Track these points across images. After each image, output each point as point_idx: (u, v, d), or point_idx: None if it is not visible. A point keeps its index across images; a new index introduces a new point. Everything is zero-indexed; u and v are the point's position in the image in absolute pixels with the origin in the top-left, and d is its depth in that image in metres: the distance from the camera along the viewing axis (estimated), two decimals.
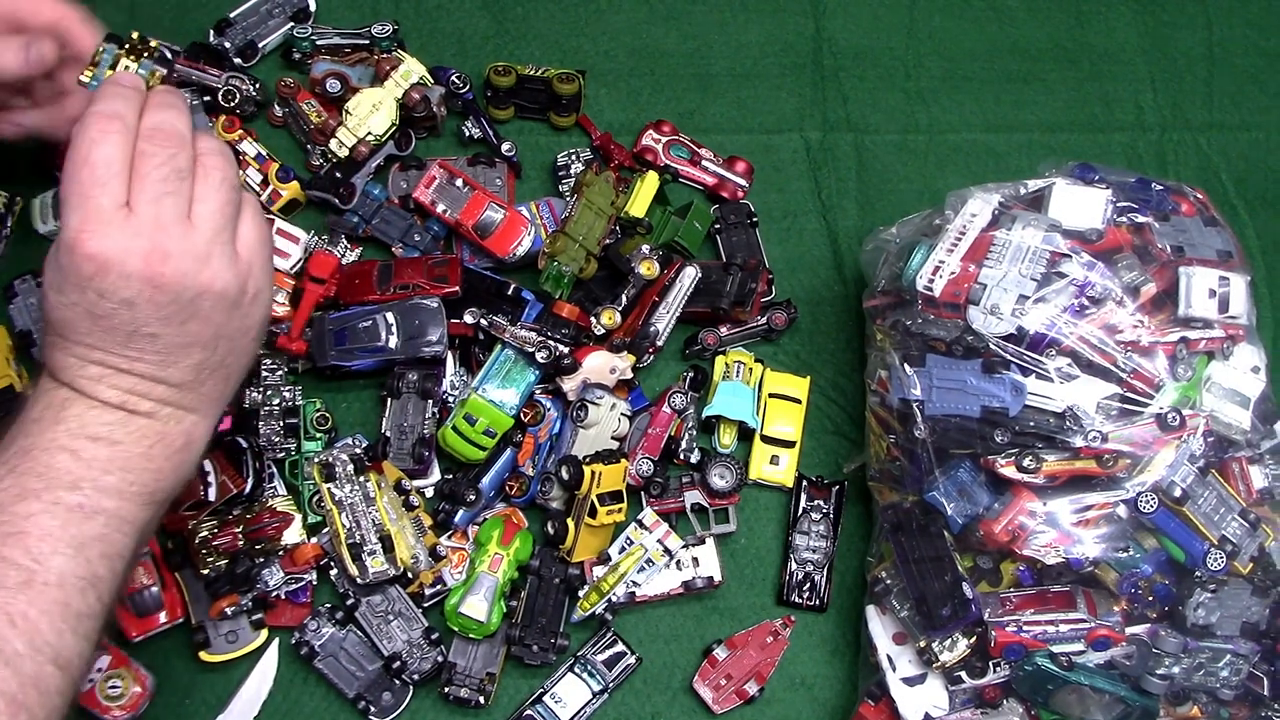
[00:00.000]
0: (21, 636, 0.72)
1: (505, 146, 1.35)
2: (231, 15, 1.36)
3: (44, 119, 1.11)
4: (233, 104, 1.30)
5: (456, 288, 1.23)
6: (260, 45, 1.36)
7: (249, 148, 1.30)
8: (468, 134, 1.36)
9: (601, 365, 1.21)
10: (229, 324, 0.87)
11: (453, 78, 1.35)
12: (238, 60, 1.35)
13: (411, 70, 1.32)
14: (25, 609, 0.73)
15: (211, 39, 1.35)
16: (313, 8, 1.39)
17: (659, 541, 1.17)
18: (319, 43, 1.36)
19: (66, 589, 0.75)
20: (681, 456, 1.24)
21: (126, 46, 1.02)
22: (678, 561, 1.20)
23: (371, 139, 1.29)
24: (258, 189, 1.29)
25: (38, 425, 0.81)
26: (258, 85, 1.32)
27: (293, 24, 1.37)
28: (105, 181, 0.81)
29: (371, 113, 1.29)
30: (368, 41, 1.37)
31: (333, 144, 1.29)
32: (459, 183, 1.27)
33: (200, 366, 0.86)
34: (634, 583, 1.17)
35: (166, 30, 1.34)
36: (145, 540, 0.83)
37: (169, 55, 1.29)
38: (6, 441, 0.81)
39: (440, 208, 1.26)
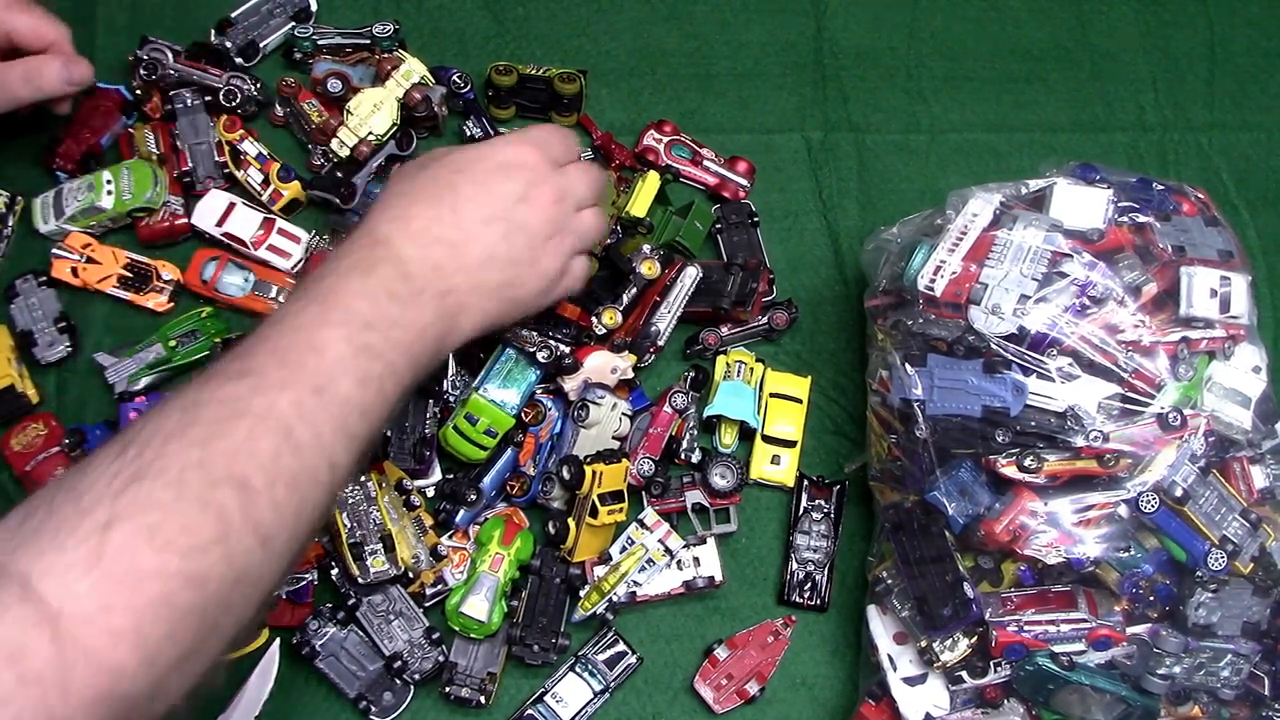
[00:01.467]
0: (308, 432, 0.79)
1: None
2: (233, 15, 1.36)
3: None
4: (234, 104, 1.30)
5: None
6: (261, 45, 1.36)
7: (250, 147, 1.30)
8: (469, 133, 1.36)
9: (603, 365, 1.21)
10: (530, 283, 1.03)
11: (454, 77, 1.35)
12: (239, 60, 1.35)
13: (413, 70, 1.32)
14: (315, 411, 0.80)
15: (213, 38, 1.35)
16: (314, 8, 1.39)
17: (660, 541, 1.17)
18: (320, 42, 1.36)
19: (348, 409, 0.83)
20: (682, 456, 1.24)
21: None
22: (679, 561, 1.20)
23: (373, 139, 1.29)
24: (258, 189, 1.29)
25: (347, 275, 0.89)
26: (259, 85, 1.32)
27: (294, 24, 1.37)
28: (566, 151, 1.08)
29: (373, 112, 1.29)
30: (369, 41, 1.37)
31: (334, 144, 1.29)
32: None
33: (501, 285, 1.00)
34: (635, 582, 1.17)
35: (168, 29, 1.34)
36: (399, 406, 0.91)
37: (169, 54, 1.30)
38: (314, 279, 0.89)
39: None
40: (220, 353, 0.81)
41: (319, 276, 0.89)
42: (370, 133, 1.28)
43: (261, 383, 0.79)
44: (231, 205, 1.27)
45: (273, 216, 1.28)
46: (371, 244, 0.93)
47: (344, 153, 1.29)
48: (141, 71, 1.30)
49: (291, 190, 1.29)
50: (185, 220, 1.27)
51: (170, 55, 1.31)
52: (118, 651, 0.67)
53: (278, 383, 0.79)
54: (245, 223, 1.27)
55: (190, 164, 1.29)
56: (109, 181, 1.24)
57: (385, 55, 1.34)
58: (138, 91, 1.31)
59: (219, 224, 1.27)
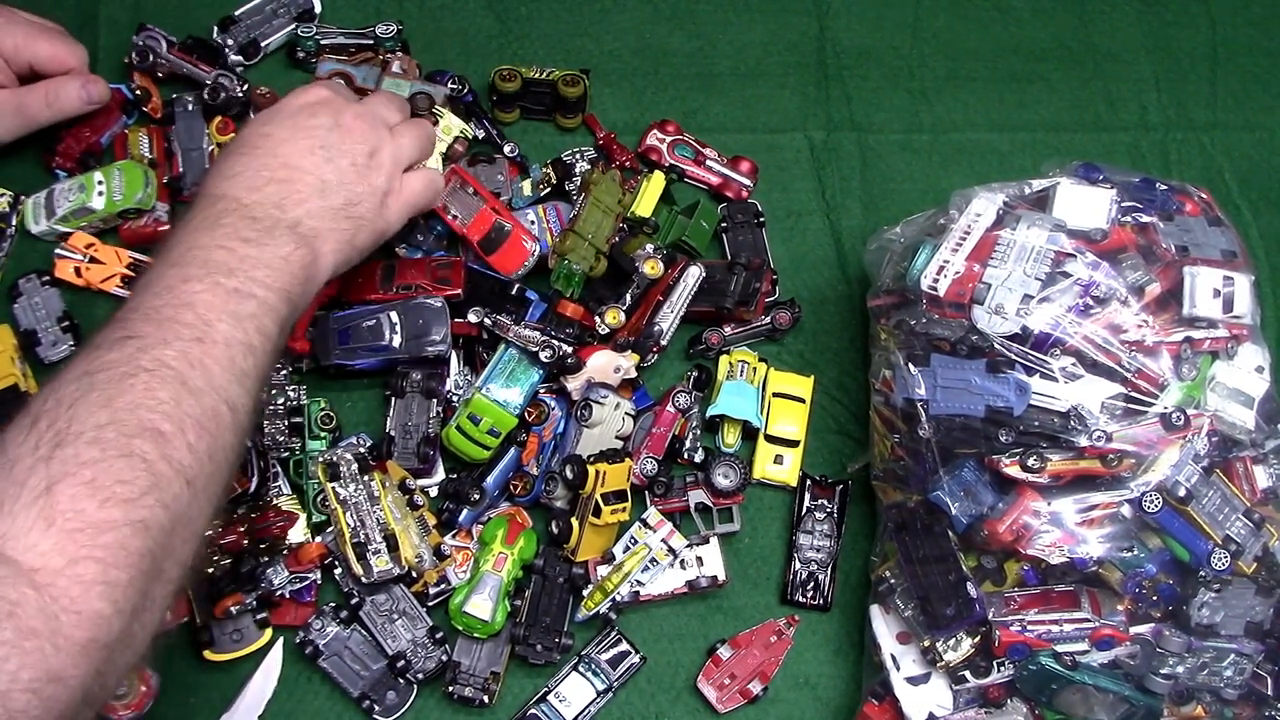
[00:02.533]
0: (200, 376, 0.83)
1: (508, 148, 1.35)
2: (236, 13, 1.37)
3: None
4: (218, 100, 1.30)
5: (459, 290, 1.23)
6: (263, 44, 1.36)
7: None
8: (471, 135, 1.36)
9: (606, 365, 1.21)
10: (370, 201, 1.06)
11: (450, 83, 1.35)
12: (239, 58, 1.35)
13: (451, 125, 1.33)
14: (201, 356, 0.84)
15: (215, 35, 1.35)
16: (318, 9, 1.39)
17: (663, 541, 1.17)
18: (323, 42, 1.36)
19: (232, 348, 0.87)
20: (685, 456, 1.24)
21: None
22: (682, 561, 1.20)
23: None
24: None
25: (195, 233, 0.93)
26: (244, 86, 1.32)
27: (297, 24, 1.37)
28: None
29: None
30: (372, 41, 1.37)
31: None
32: (470, 190, 1.27)
33: (343, 208, 1.03)
34: (638, 582, 1.17)
35: (170, 25, 1.35)
36: (283, 339, 0.95)
37: (164, 44, 1.31)
38: (166, 247, 0.93)
39: (452, 213, 1.27)
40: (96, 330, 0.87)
41: (171, 244, 0.94)
42: None
43: (144, 343, 0.83)
44: None
45: None
46: (211, 203, 0.97)
47: None
48: (134, 56, 1.31)
49: None
50: (169, 226, 1.27)
51: (165, 45, 1.32)
52: (91, 600, 0.71)
53: (159, 340, 0.84)
54: None
55: (181, 169, 1.29)
56: (100, 183, 1.24)
57: (389, 54, 1.34)
58: (139, 91, 1.31)
59: None
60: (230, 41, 1.35)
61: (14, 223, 1.26)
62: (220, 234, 0.93)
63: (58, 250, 1.24)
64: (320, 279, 1.02)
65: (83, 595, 0.70)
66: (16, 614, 0.67)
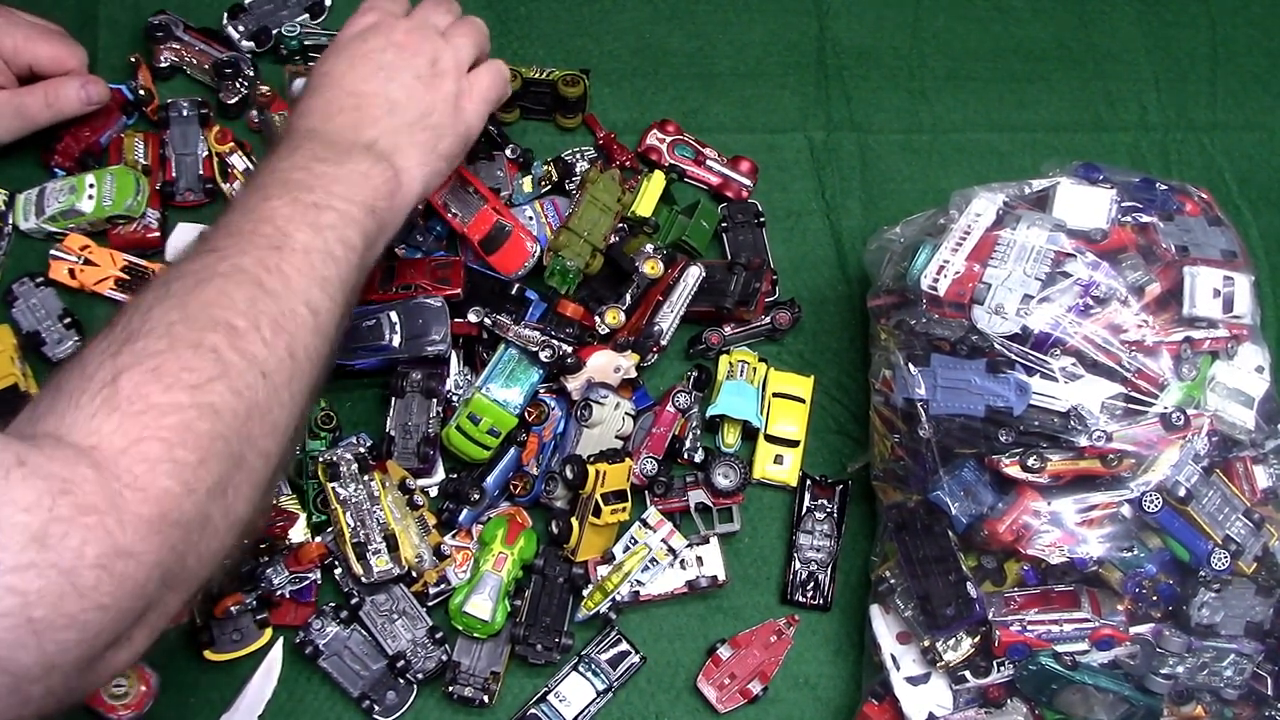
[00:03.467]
0: (276, 279, 0.85)
1: (509, 150, 1.34)
2: (246, 2, 1.37)
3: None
4: (227, 76, 1.31)
5: (459, 290, 1.23)
6: (274, 33, 1.36)
7: (239, 161, 1.30)
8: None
9: (605, 364, 1.21)
10: (442, 108, 1.07)
11: None
12: (250, 44, 1.36)
13: None
14: (279, 263, 0.86)
15: (225, 23, 1.36)
16: (328, 2, 1.39)
17: (663, 541, 1.17)
18: (306, 42, 1.36)
19: (311, 255, 0.89)
20: (685, 456, 1.24)
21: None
22: (682, 561, 1.20)
23: None
24: None
25: (276, 160, 0.96)
26: (256, 71, 1.34)
27: (307, 15, 1.37)
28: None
29: None
30: None
31: None
32: (470, 188, 1.27)
33: (418, 121, 1.04)
34: (638, 582, 1.17)
35: (179, 12, 1.36)
36: (372, 255, 0.98)
37: (177, 28, 1.32)
38: (250, 181, 0.96)
39: (452, 212, 1.27)
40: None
41: (256, 174, 0.97)
42: None
43: (224, 253, 0.85)
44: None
45: None
46: (289, 138, 1.00)
47: None
48: (157, 34, 1.32)
49: None
50: (157, 234, 1.27)
51: (181, 27, 1.34)
52: (157, 477, 0.71)
53: (236, 250, 0.86)
54: None
55: (175, 175, 1.29)
56: (91, 185, 1.24)
57: None
58: (140, 91, 1.32)
59: None
60: (240, 27, 1.35)
61: (10, 221, 1.26)
62: (299, 158, 0.96)
63: (52, 251, 1.24)
64: (410, 194, 1.03)
65: (147, 473, 0.71)
66: (72, 490, 0.67)
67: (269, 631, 1.15)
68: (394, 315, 1.21)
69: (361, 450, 1.17)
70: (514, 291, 1.27)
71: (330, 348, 0.91)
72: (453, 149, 1.08)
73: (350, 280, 0.93)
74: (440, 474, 1.22)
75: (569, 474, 1.16)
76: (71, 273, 1.24)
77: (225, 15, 1.36)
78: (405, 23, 1.08)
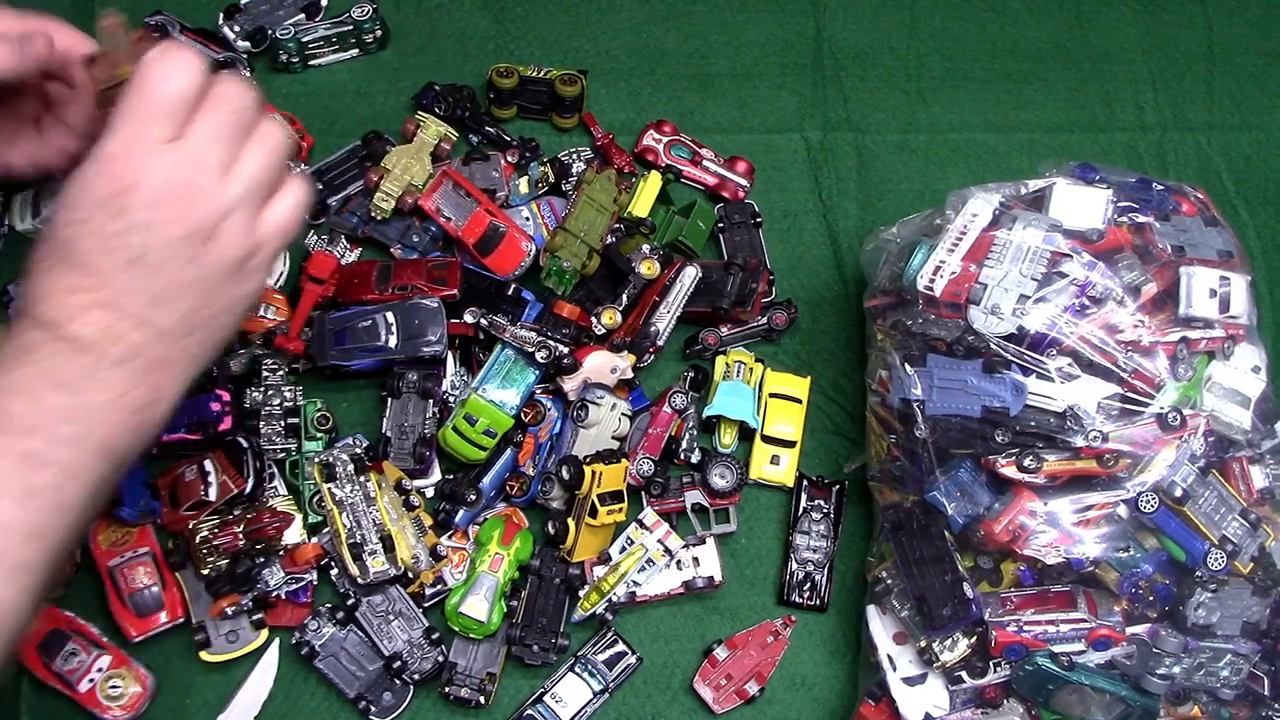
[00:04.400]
0: None
1: (510, 154, 1.34)
2: (242, 2, 1.37)
3: (48, 152, 1.05)
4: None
5: (455, 290, 1.23)
6: (269, 33, 1.36)
7: None
8: (475, 142, 1.36)
9: (602, 365, 1.21)
10: (224, 287, 0.84)
11: (436, 98, 1.35)
12: (246, 44, 1.36)
13: (435, 129, 1.33)
14: None
15: (221, 23, 1.36)
16: (324, 2, 1.39)
17: (659, 541, 1.17)
18: (304, 39, 1.36)
19: (7, 537, 0.73)
20: (682, 456, 1.24)
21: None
22: (678, 561, 1.20)
23: (415, 188, 1.29)
24: None
25: (1, 367, 0.76)
26: (252, 71, 1.34)
27: (303, 15, 1.37)
28: (167, 114, 0.79)
29: (407, 167, 1.29)
30: (351, 27, 1.37)
31: (377, 198, 1.28)
32: (462, 191, 1.27)
33: (188, 317, 0.82)
34: (634, 582, 1.17)
35: (175, 12, 1.36)
36: (102, 495, 0.79)
37: (177, 27, 1.32)
38: None
39: (445, 215, 1.27)
40: None
41: None
42: (411, 183, 1.29)
43: None
44: None
45: None
46: (18, 327, 0.79)
47: (388, 205, 1.28)
48: (153, 34, 1.31)
49: None
50: None
51: (178, 28, 1.34)
52: None
53: None
54: None
55: None
56: None
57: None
58: None
59: None
60: (236, 27, 1.35)
61: (6, 222, 1.26)
62: (27, 374, 0.76)
63: None
64: (165, 411, 0.83)
65: None
66: None
67: (265, 632, 1.15)
68: (390, 316, 1.21)
69: (358, 451, 1.17)
70: (510, 292, 1.27)
71: (9, 641, 0.75)
72: (231, 330, 0.87)
73: (63, 546, 0.76)
74: (436, 475, 1.22)
75: (565, 475, 1.16)
76: None
77: (221, 15, 1.37)
78: (169, 162, 0.79)
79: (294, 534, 1.17)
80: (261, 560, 1.14)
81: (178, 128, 0.80)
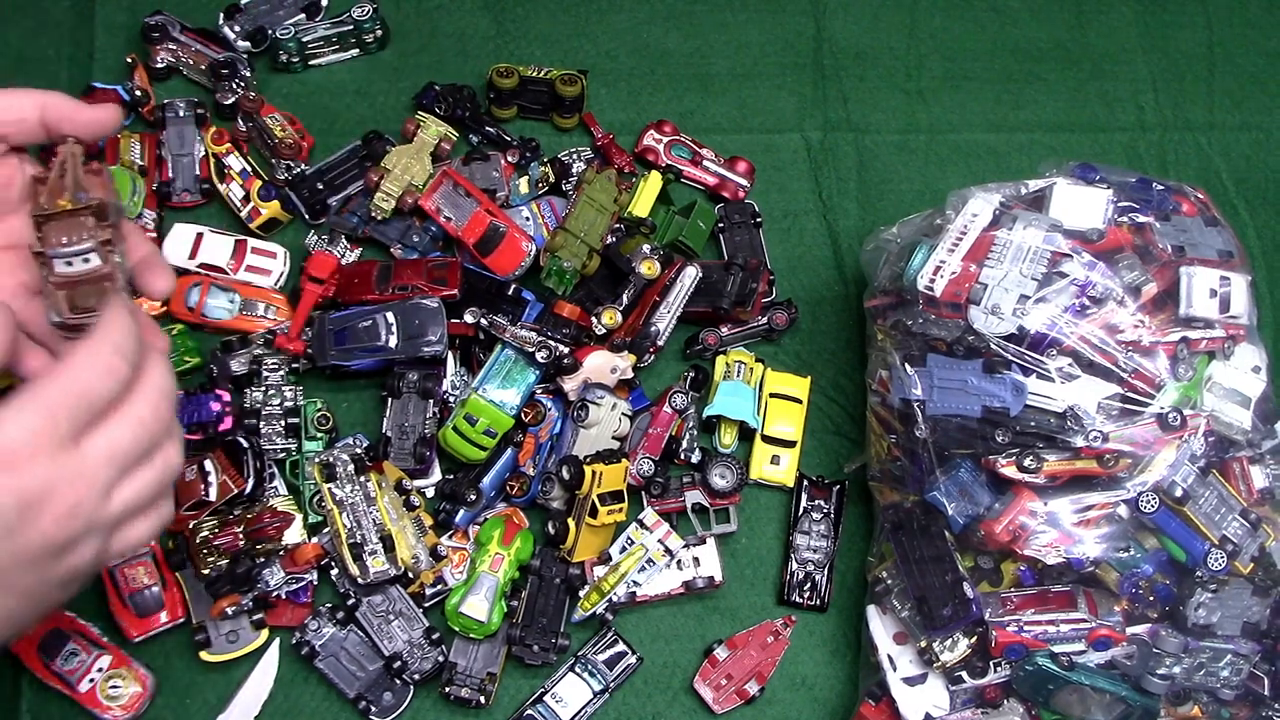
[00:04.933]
0: None
1: (510, 154, 1.34)
2: (242, 2, 1.37)
3: None
4: (223, 76, 1.31)
5: (455, 291, 1.23)
6: (270, 33, 1.36)
7: (235, 162, 1.30)
8: (475, 142, 1.36)
9: (602, 365, 1.21)
10: (45, 586, 0.73)
11: (436, 98, 1.35)
12: (246, 44, 1.36)
13: (435, 129, 1.33)
14: None
15: (221, 23, 1.36)
16: (324, 2, 1.39)
17: (660, 541, 1.17)
18: (304, 39, 1.36)
19: None
20: (682, 456, 1.24)
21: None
22: (678, 561, 1.20)
23: (414, 188, 1.29)
24: (239, 204, 1.29)
25: None
26: (253, 72, 1.34)
27: (303, 15, 1.37)
28: (79, 415, 0.71)
29: (407, 167, 1.30)
30: (351, 27, 1.37)
31: (378, 198, 1.28)
32: (462, 191, 1.27)
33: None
34: (635, 582, 1.17)
35: (175, 12, 1.36)
36: None
37: (177, 26, 1.32)
38: None
39: (445, 215, 1.27)
40: None
41: None
42: (411, 183, 1.29)
43: None
44: (200, 235, 1.28)
45: (243, 238, 1.28)
46: None
47: (388, 205, 1.28)
48: (153, 35, 1.32)
49: (271, 209, 1.29)
50: (154, 234, 1.27)
51: (178, 28, 1.34)
52: None
53: None
54: (217, 249, 1.28)
55: (171, 175, 1.29)
56: None
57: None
58: (136, 92, 1.32)
59: (191, 256, 1.27)
60: (236, 27, 1.35)
61: None
62: None
63: None
64: None
65: None
66: None
67: (265, 632, 1.15)
68: (390, 316, 1.21)
69: (358, 451, 1.17)
70: (510, 292, 1.27)
71: None
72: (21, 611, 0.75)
73: None
74: (437, 475, 1.22)
75: (566, 475, 1.16)
76: None
77: (221, 15, 1.36)
78: (59, 472, 0.70)
79: (294, 534, 1.17)
80: (262, 560, 1.14)
81: (83, 430, 0.72)
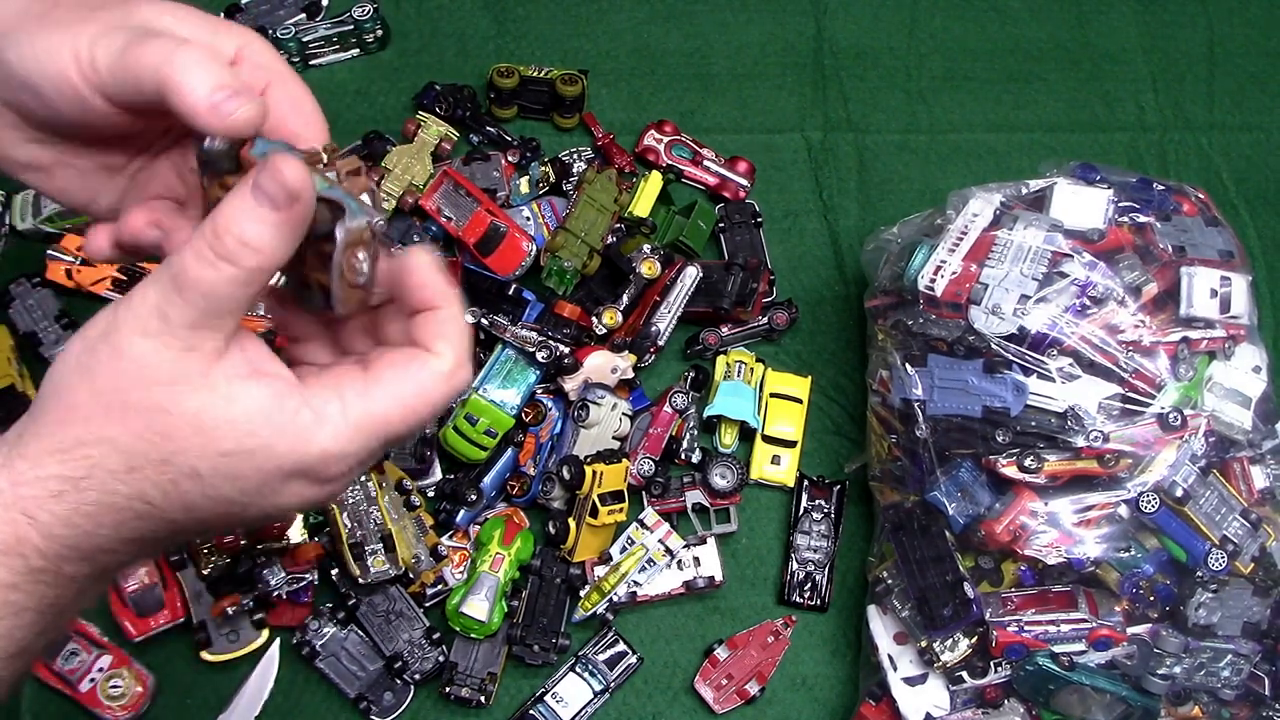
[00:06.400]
0: None
1: (511, 155, 1.34)
2: (243, 2, 1.37)
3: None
4: None
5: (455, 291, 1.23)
6: (270, 32, 1.36)
7: None
8: (475, 141, 1.36)
9: (603, 365, 1.21)
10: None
11: (436, 98, 1.35)
12: None
13: (436, 129, 1.34)
14: None
15: None
16: (325, 2, 1.39)
17: (660, 541, 1.17)
18: (305, 39, 1.36)
19: None
20: (683, 456, 1.24)
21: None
22: (679, 561, 1.20)
23: (415, 188, 1.29)
24: None
25: None
26: None
27: (304, 15, 1.37)
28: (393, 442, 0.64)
29: (408, 167, 1.30)
30: (352, 27, 1.37)
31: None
32: (463, 191, 1.27)
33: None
34: (635, 582, 1.17)
35: None
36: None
37: None
38: None
39: (446, 215, 1.27)
40: None
41: None
42: (412, 183, 1.29)
43: None
44: None
45: None
46: None
47: (388, 205, 1.28)
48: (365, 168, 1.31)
49: None
50: None
51: None
52: None
53: None
54: None
55: None
56: None
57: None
58: None
59: None
60: None
61: (7, 222, 1.26)
62: None
63: (49, 251, 1.24)
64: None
65: None
66: None
67: (266, 632, 1.15)
68: None
69: None
70: (511, 292, 1.27)
71: None
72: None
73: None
74: (437, 474, 1.22)
75: (566, 474, 1.16)
76: (69, 273, 1.24)
77: (222, 15, 1.36)
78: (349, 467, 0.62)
79: (295, 534, 1.16)
80: (262, 560, 1.14)
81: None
